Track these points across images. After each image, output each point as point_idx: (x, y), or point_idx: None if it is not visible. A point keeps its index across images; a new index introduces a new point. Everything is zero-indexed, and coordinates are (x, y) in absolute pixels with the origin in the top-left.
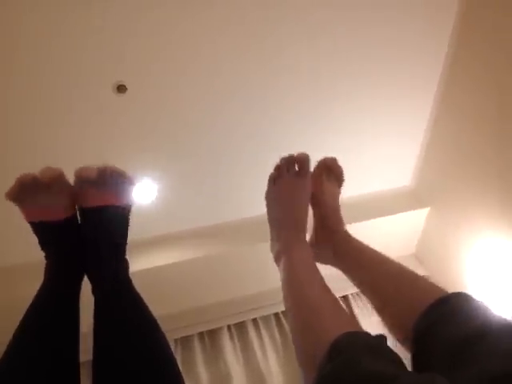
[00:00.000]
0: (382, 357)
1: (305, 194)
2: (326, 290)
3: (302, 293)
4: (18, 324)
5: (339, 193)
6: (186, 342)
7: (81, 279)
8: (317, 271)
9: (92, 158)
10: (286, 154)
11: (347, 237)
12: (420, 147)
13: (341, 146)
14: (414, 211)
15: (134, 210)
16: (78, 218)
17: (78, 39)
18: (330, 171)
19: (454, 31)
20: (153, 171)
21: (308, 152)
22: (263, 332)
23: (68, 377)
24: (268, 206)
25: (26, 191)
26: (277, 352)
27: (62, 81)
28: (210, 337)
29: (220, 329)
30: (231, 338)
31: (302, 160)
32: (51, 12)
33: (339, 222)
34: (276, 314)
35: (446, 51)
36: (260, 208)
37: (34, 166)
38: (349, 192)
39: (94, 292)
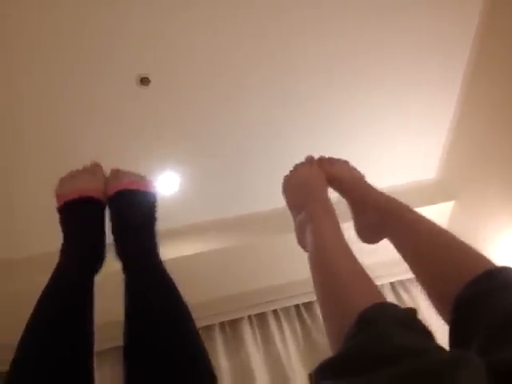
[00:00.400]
0: (410, 329)
1: (316, 173)
2: (353, 259)
3: (329, 264)
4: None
5: (350, 170)
6: (207, 331)
7: (97, 266)
8: (343, 239)
9: (116, 151)
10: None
11: (389, 201)
12: (445, 139)
13: (369, 140)
14: (439, 205)
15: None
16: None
17: (106, 39)
18: (329, 160)
19: (476, 32)
20: (176, 161)
21: (338, 145)
22: (284, 323)
23: (82, 365)
24: (286, 195)
25: (75, 173)
26: (297, 342)
27: (85, 80)
28: (231, 327)
29: (241, 319)
30: (252, 328)
31: (307, 157)
32: (76, 11)
33: (366, 188)
34: (297, 306)
35: (468, 53)
36: (283, 200)
37: (62, 165)
38: (375, 185)
39: (124, 271)
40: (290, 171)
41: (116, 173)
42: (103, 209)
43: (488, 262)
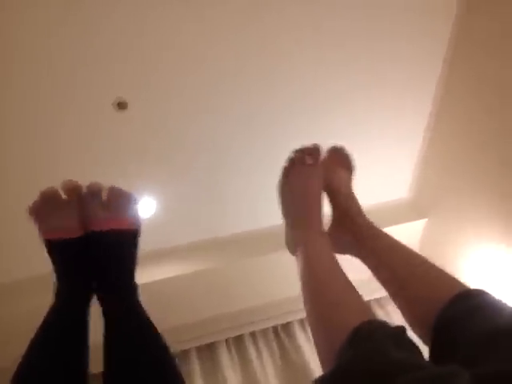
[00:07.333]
0: (402, 346)
1: (317, 182)
2: (346, 280)
3: (321, 282)
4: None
5: (351, 180)
6: (184, 355)
7: (90, 299)
8: (335, 261)
9: (92, 175)
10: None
11: (371, 229)
12: (417, 158)
13: None
14: (412, 223)
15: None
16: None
17: (83, 62)
18: (340, 159)
19: (448, 48)
20: (152, 185)
21: None
22: (261, 346)
23: None
24: (281, 197)
25: (48, 206)
26: (275, 364)
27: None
28: (208, 351)
29: (218, 342)
30: (229, 351)
31: (313, 150)
32: (50, 34)
33: (356, 209)
34: (274, 328)
35: (440, 68)
36: (258, 222)
37: (36, 189)
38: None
39: (104, 314)
40: (289, 164)
41: (107, 200)
42: (86, 243)
43: (462, 284)
